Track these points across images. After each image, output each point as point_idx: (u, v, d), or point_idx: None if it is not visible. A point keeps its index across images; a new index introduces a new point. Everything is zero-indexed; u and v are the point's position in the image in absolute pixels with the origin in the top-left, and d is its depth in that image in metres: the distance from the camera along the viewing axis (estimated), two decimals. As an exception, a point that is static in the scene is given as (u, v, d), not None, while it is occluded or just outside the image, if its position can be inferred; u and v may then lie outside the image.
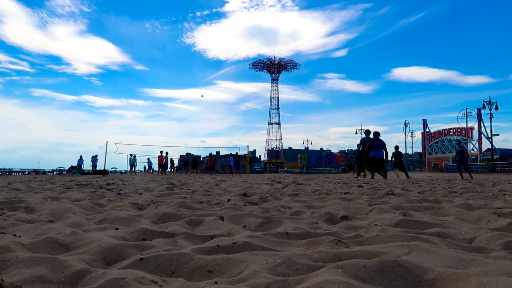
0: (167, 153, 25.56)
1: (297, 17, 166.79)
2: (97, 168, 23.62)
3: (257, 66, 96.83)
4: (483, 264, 1.04)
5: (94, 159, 24.54)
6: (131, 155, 27.03)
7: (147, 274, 1.01)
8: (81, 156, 24.74)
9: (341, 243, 1.34)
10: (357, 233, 1.63)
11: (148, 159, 31.00)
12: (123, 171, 26.62)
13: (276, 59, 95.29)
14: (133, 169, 27.17)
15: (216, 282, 0.94)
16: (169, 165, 26.03)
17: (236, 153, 28.61)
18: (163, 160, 24.44)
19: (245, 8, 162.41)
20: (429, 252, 1.14)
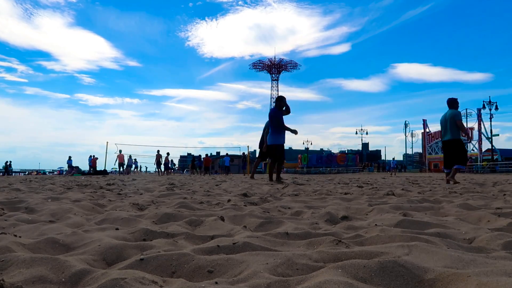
0: (168, 153, 25.74)
1: (296, 9, 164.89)
2: (96, 168, 23.80)
3: (257, 67, 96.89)
4: (483, 264, 1.04)
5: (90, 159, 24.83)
6: (129, 156, 27.14)
7: (147, 274, 1.01)
8: (69, 157, 25.06)
9: (341, 243, 1.34)
10: (357, 233, 1.63)
11: (135, 159, 30.45)
12: (123, 171, 26.68)
13: (276, 60, 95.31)
14: (130, 170, 27.26)
15: (216, 282, 0.95)
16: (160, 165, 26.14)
17: (243, 153, 28.55)
18: (160, 159, 24.84)
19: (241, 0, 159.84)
20: (429, 252, 1.14)
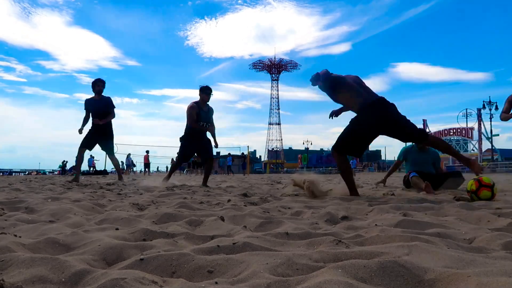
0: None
1: (296, 8, 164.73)
2: (96, 168, 23.88)
3: (257, 67, 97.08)
4: (483, 264, 1.04)
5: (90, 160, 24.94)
6: (128, 156, 27.02)
7: (147, 274, 1.01)
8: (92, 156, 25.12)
9: (341, 243, 1.34)
10: (357, 233, 1.63)
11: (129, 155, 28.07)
12: (147, 171, 26.31)
13: (277, 60, 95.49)
14: (130, 170, 27.15)
15: (216, 282, 0.95)
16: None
17: (242, 153, 28.68)
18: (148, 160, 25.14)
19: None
20: (429, 252, 1.14)
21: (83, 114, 6.85)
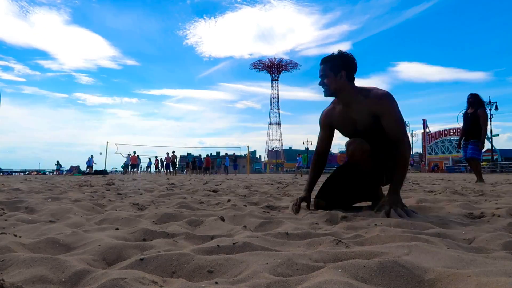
0: (173, 152, 26.10)
1: (295, 7, 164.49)
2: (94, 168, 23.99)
3: (257, 67, 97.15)
4: (483, 264, 1.04)
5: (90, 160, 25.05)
6: (129, 155, 27.04)
7: (147, 274, 1.01)
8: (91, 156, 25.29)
9: (341, 243, 1.34)
10: (357, 233, 1.63)
11: (129, 155, 27.33)
12: (122, 172, 26.54)
13: (276, 60, 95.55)
14: (128, 170, 27.18)
15: (216, 282, 0.95)
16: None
17: (234, 153, 29.25)
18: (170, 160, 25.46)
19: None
20: (429, 252, 1.14)
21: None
